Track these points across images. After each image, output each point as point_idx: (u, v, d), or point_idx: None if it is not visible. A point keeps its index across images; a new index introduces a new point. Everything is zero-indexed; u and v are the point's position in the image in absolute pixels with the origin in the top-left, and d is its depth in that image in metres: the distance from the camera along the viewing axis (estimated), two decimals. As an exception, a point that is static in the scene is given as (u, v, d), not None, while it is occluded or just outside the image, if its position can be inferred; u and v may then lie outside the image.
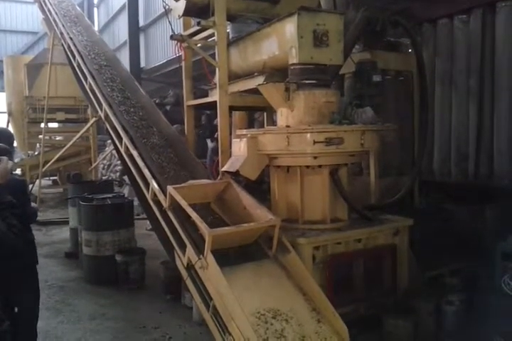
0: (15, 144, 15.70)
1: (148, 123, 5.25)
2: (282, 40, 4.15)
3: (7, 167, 2.22)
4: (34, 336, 3.76)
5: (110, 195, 6.43)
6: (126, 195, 7.94)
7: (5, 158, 2.26)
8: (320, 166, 4.01)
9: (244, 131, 4.34)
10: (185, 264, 3.54)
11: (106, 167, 14.11)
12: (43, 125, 11.68)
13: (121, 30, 17.29)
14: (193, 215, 3.39)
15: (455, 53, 5.61)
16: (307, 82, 4.02)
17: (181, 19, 5.44)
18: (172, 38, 4.98)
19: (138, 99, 5.74)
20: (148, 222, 7.52)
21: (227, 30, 5.05)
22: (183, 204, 3.52)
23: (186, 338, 4.27)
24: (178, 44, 5.21)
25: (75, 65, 6.52)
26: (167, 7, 5.50)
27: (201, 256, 3.28)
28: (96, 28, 17.13)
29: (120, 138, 4.96)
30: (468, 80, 5.49)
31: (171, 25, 5.40)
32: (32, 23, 23.98)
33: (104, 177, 13.33)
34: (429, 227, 4.74)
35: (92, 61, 6.28)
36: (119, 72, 6.34)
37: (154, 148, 4.79)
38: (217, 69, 4.81)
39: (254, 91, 4.36)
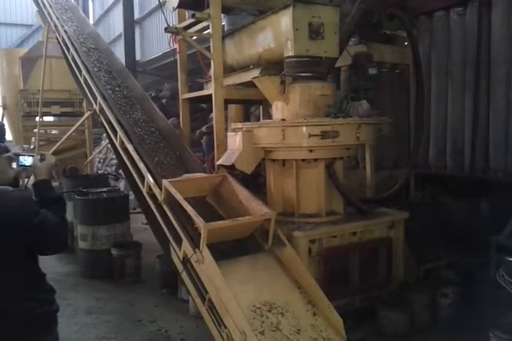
0: (10, 138, 15.66)
1: (132, 101, 5.45)
2: (277, 33, 4.12)
3: (52, 163, 2.26)
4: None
5: (106, 189, 6.40)
6: (121, 189, 7.92)
7: (48, 153, 2.31)
8: (315, 159, 4.00)
9: (239, 125, 4.33)
10: (181, 258, 3.54)
11: (102, 160, 14.06)
12: (38, 119, 11.60)
13: (116, 22, 17.16)
14: (189, 209, 3.37)
15: (451, 46, 5.59)
16: (303, 74, 4.01)
17: (176, 11, 5.40)
18: (166, 30, 4.94)
19: (123, 79, 5.93)
20: (144, 216, 7.51)
21: (222, 23, 5.01)
22: (179, 197, 3.51)
23: (182, 331, 4.27)
24: (173, 37, 5.17)
25: (70, 58, 6.48)
26: (161, -1, 5.45)
27: (197, 250, 3.27)
28: (91, 21, 17.04)
29: (115, 132, 4.93)
30: (465, 73, 5.48)
31: (165, 17, 5.35)
32: (26, 15, 23.75)
33: (99, 171, 13.28)
34: (424, 220, 4.75)
35: (81, 44, 6.46)
36: (107, 55, 6.48)
37: (137, 123, 5.04)
38: (212, 62, 4.78)
39: (250, 84, 4.34)
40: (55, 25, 7.38)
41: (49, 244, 2.02)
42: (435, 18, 5.73)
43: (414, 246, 4.48)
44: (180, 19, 5.46)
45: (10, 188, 2.05)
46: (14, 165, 2.27)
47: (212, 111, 4.96)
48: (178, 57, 5.55)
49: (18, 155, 2.31)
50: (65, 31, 6.83)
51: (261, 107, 5.90)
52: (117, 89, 5.63)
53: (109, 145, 10.38)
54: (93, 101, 5.64)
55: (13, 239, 1.86)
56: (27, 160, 2.30)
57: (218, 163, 4.26)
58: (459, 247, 4.65)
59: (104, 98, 5.35)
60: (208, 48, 4.84)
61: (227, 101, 5.02)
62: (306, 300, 3.21)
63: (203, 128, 8.19)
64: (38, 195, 2.12)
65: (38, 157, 2.29)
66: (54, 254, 2.24)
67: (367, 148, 4.33)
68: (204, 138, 7.89)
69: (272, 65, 4.38)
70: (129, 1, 14.86)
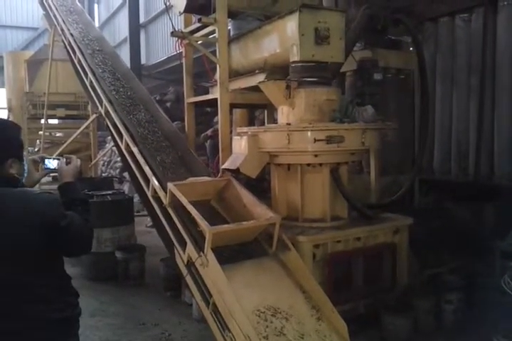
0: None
1: (136, 102, 5.52)
2: (283, 38, 4.14)
3: (77, 166, 2.30)
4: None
5: (110, 192, 6.42)
6: (126, 192, 7.94)
7: (74, 156, 2.35)
8: (320, 164, 4.01)
9: (244, 129, 4.34)
10: (185, 261, 3.54)
11: (106, 163, 14.09)
12: (43, 121, 11.64)
13: (122, 26, 17.24)
14: (194, 212, 3.38)
15: (456, 51, 5.60)
16: (308, 79, 4.02)
17: (182, 16, 5.43)
18: (173, 34, 4.97)
19: (127, 81, 6.00)
20: (148, 219, 7.53)
21: (228, 28, 5.04)
22: (184, 201, 3.52)
23: (186, 335, 4.27)
24: (179, 41, 5.20)
25: (76, 61, 6.52)
26: (168, 3, 5.48)
27: (201, 253, 3.28)
28: (96, 24, 17.11)
29: (120, 135, 4.95)
30: (469, 79, 5.49)
31: (171, 21, 5.38)
32: (32, 18, 23.87)
33: (104, 174, 13.31)
34: (428, 225, 4.75)
35: (86, 46, 6.56)
36: (112, 58, 6.56)
37: (140, 123, 5.09)
38: (217, 67, 4.80)
39: (255, 88, 4.36)
40: (62, 29, 7.43)
41: (75, 245, 2.03)
42: (440, 23, 5.75)
43: (419, 252, 4.48)
44: (187, 23, 5.48)
45: (37, 190, 2.06)
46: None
47: (216, 115, 4.97)
48: (183, 61, 5.58)
49: (43, 158, 2.35)
50: (71, 34, 6.87)
51: (266, 111, 5.91)
52: (121, 90, 5.69)
53: (114, 148, 10.43)
54: (99, 104, 5.68)
55: (40, 241, 1.86)
56: (52, 163, 2.33)
57: (223, 166, 4.27)
58: (463, 253, 4.64)
59: (109, 101, 5.38)
60: (214, 52, 4.87)
61: (232, 106, 5.03)
62: (310, 304, 3.21)
63: (208, 132, 8.20)
64: (64, 196, 2.13)
65: (64, 160, 2.31)
66: (79, 256, 2.26)
67: (372, 153, 4.33)
68: (208, 141, 7.90)
69: (278, 70, 4.39)
70: (135, 5, 14.93)
